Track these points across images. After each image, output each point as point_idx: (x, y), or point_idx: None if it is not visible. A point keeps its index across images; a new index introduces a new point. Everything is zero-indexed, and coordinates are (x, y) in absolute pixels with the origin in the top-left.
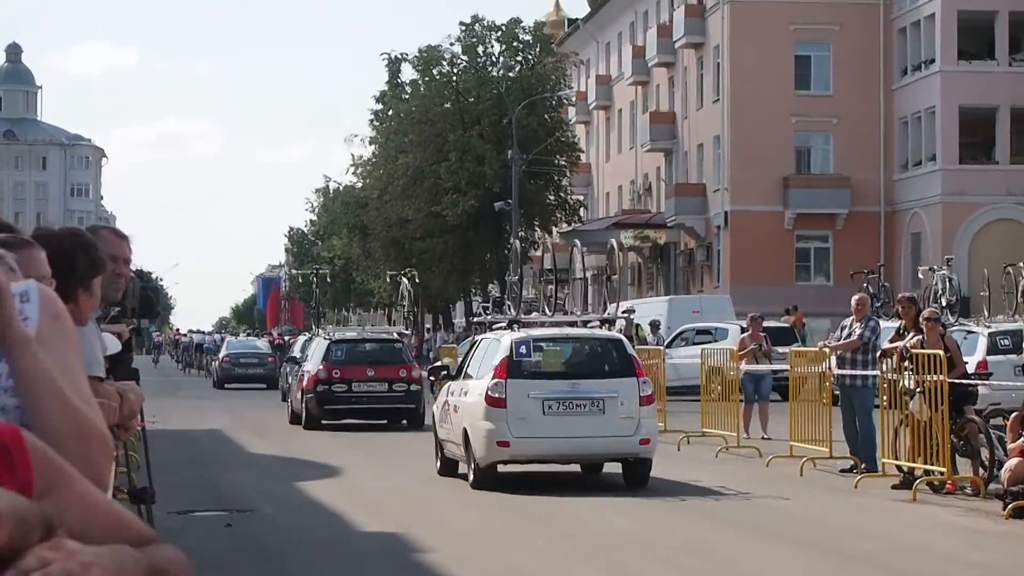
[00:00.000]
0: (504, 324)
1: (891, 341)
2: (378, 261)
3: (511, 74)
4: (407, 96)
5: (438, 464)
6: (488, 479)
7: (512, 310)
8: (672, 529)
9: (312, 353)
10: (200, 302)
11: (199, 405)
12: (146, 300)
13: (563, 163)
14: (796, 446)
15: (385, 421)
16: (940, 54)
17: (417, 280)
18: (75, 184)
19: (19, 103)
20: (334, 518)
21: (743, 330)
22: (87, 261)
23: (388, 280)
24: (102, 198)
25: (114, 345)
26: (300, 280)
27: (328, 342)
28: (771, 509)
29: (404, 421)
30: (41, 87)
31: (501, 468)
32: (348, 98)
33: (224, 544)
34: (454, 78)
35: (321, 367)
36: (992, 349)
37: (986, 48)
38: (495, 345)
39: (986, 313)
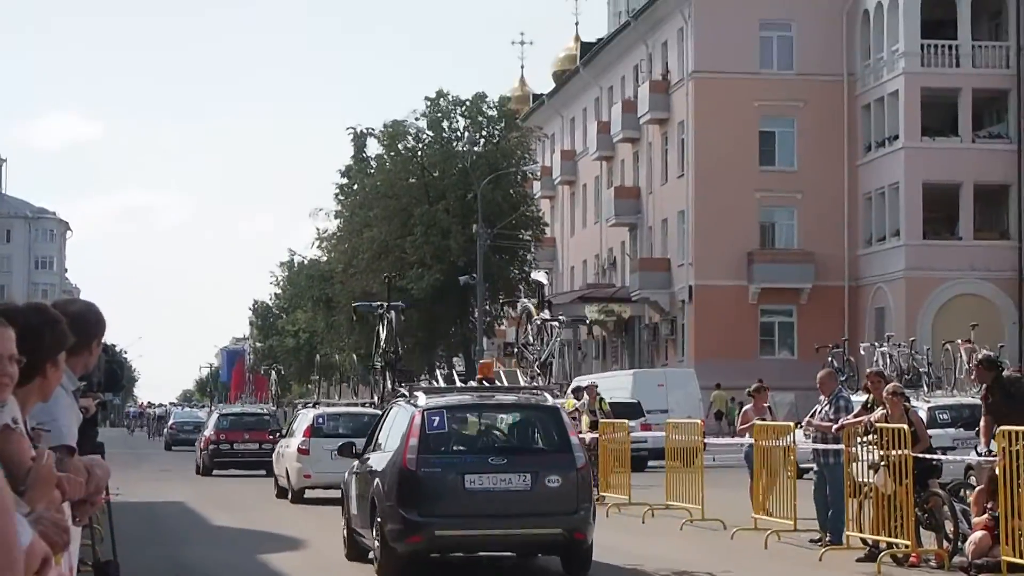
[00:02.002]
0: (311, 403)
1: (857, 415)
2: (343, 334)
3: (476, 149)
4: (372, 170)
5: (275, 490)
6: (299, 498)
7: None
8: None
9: (208, 422)
10: (164, 374)
11: (159, 476)
12: (111, 374)
13: (528, 238)
14: (760, 519)
15: (264, 472)
16: (904, 130)
17: (282, 373)
18: (39, 257)
19: None
20: None
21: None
22: (53, 336)
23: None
24: (67, 271)
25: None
26: (264, 352)
27: (218, 414)
28: None
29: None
30: (5, 160)
31: (308, 492)
32: (314, 171)
33: None
34: (419, 152)
35: (212, 432)
36: (931, 423)
37: (950, 124)
38: (305, 416)
39: (925, 388)
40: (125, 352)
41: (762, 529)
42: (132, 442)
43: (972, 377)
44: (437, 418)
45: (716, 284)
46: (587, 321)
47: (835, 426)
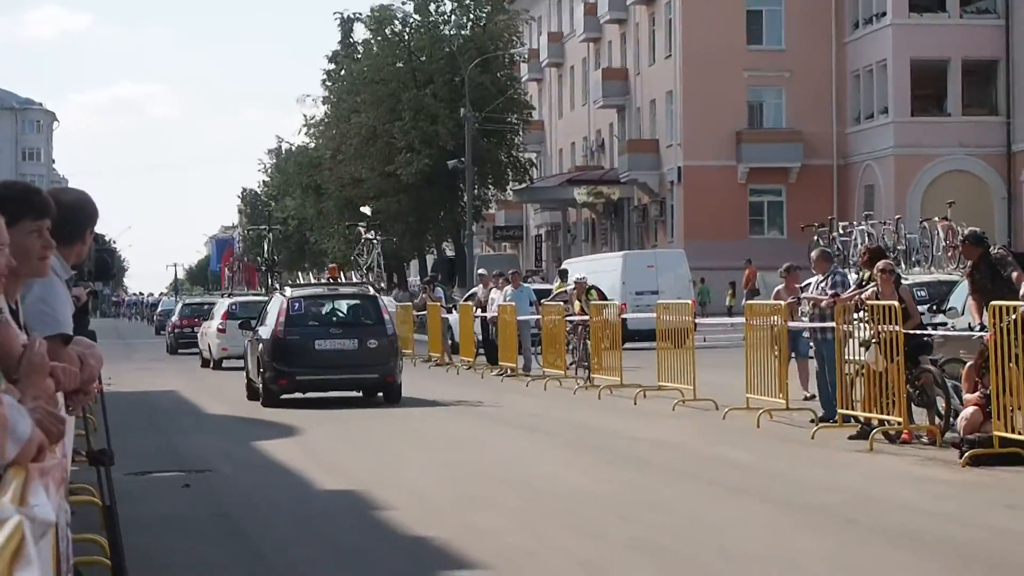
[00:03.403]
0: (227, 294)
1: (853, 292)
2: (332, 221)
3: (463, 32)
4: (359, 56)
5: (201, 361)
6: (219, 366)
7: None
8: (632, 485)
9: (175, 310)
10: (154, 264)
11: (150, 365)
12: (102, 263)
13: (515, 121)
14: (752, 398)
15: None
16: (891, 7)
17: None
18: (26, 148)
19: None
20: (292, 477)
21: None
22: (29, 202)
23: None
24: (54, 161)
25: None
26: (254, 240)
27: (182, 304)
28: (730, 462)
29: None
30: None
31: (226, 363)
32: (302, 59)
33: (182, 505)
34: (406, 37)
35: (176, 319)
36: None
37: (937, 1)
38: (222, 304)
39: (903, 266)
40: (114, 242)
41: (754, 409)
42: (125, 331)
43: (949, 255)
44: (298, 303)
45: (705, 165)
46: (576, 203)
47: (827, 299)
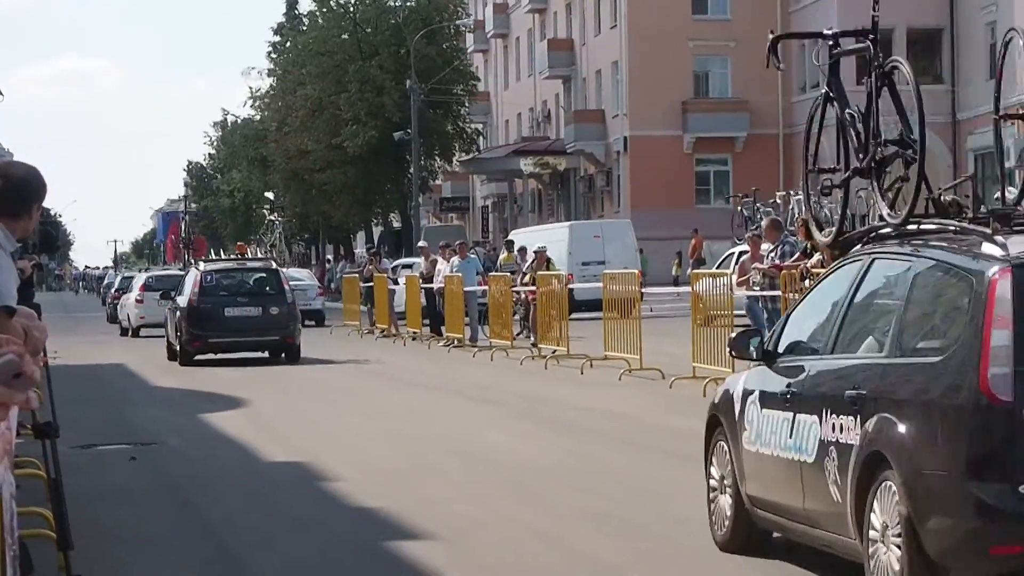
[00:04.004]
0: (144, 269)
1: (796, 260)
2: (278, 193)
3: (409, 3)
4: (305, 28)
5: (120, 329)
6: (136, 334)
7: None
8: (582, 455)
9: (115, 282)
10: (100, 238)
11: (100, 340)
12: (46, 236)
13: (461, 92)
14: (699, 367)
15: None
16: None
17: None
18: None
19: None
20: (240, 449)
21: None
22: None
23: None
24: None
25: None
26: (199, 214)
27: (120, 276)
28: (678, 431)
29: None
30: None
31: (143, 332)
32: (247, 31)
33: (129, 477)
34: (352, 8)
35: (116, 291)
36: None
37: None
38: (140, 278)
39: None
40: (59, 216)
41: (700, 378)
42: (72, 304)
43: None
44: (210, 276)
45: (651, 135)
46: (523, 174)
47: (768, 267)
